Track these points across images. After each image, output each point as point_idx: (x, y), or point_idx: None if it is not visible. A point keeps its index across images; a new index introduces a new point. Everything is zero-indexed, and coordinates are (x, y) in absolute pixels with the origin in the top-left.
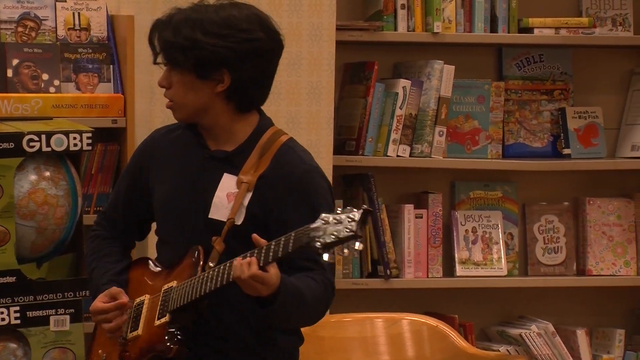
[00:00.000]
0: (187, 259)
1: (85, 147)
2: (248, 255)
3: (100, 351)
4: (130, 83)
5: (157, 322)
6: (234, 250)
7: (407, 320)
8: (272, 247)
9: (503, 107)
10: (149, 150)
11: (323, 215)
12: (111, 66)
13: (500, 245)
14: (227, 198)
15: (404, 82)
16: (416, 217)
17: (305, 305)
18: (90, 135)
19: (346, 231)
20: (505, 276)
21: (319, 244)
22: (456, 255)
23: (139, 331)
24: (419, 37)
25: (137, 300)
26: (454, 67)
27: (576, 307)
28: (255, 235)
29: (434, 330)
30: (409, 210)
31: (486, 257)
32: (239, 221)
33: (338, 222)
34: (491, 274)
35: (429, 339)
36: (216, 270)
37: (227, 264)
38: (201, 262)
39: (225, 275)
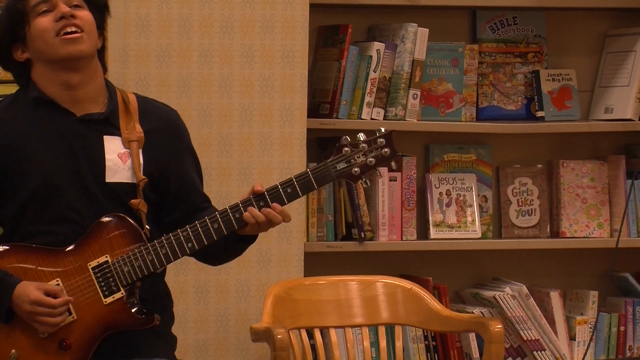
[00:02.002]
0: (106, 230)
1: None
2: (255, 199)
3: (13, 351)
4: None
5: (109, 300)
6: (150, 208)
7: (381, 282)
8: (288, 187)
9: (477, 70)
10: None
11: (344, 149)
12: None
13: (474, 207)
14: (120, 159)
15: (378, 45)
16: (390, 180)
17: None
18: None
19: (384, 152)
20: (479, 239)
21: (358, 171)
22: (430, 218)
23: (74, 316)
24: (391, 0)
25: (43, 278)
26: (427, 30)
27: (550, 269)
28: (256, 187)
29: (408, 293)
30: (382, 173)
31: (460, 220)
32: (143, 176)
33: (364, 150)
34: (465, 236)
35: (403, 302)
36: (194, 229)
37: (216, 219)
38: (139, 230)
39: (220, 229)
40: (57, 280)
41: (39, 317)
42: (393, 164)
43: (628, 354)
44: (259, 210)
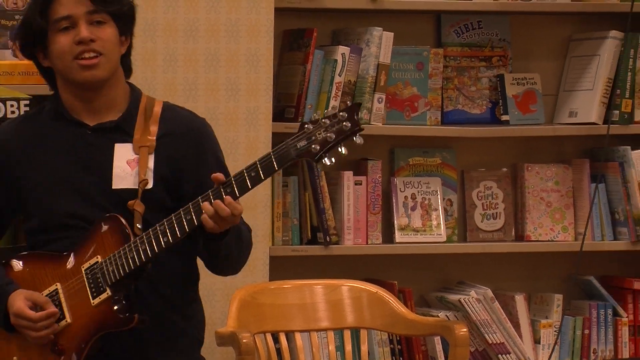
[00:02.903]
0: (100, 233)
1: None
2: (212, 194)
3: (15, 358)
4: None
5: (96, 301)
6: (150, 213)
7: (347, 286)
8: (252, 172)
9: (442, 73)
10: (4, 144)
11: (306, 126)
12: None
13: (439, 211)
14: (128, 165)
15: (342, 49)
16: (355, 184)
17: (241, 241)
18: (27, 102)
19: (346, 125)
20: (444, 242)
21: (318, 148)
22: (395, 221)
23: (67, 319)
24: (358, 3)
25: (46, 292)
26: (392, 34)
27: (515, 273)
28: (215, 175)
29: (373, 297)
30: (348, 177)
31: (425, 224)
32: (151, 184)
33: (326, 126)
34: (430, 240)
35: (369, 305)
36: (169, 222)
37: (182, 212)
38: (127, 228)
39: (188, 222)
40: (57, 285)
41: (22, 329)
42: (356, 138)
43: (592, 357)
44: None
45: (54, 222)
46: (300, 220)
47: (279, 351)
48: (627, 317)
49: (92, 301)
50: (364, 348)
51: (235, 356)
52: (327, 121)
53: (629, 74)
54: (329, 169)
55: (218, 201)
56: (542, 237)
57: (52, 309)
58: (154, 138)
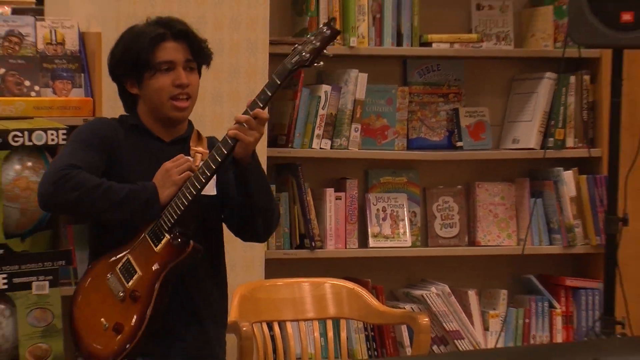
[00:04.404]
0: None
1: (60, 142)
2: (250, 108)
3: (102, 319)
4: (98, 89)
5: (159, 247)
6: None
7: (329, 284)
8: (262, 95)
9: (407, 107)
10: (110, 140)
11: (297, 46)
12: (82, 74)
13: (405, 221)
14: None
15: (325, 88)
16: (336, 199)
17: (268, 186)
18: (65, 131)
19: (327, 32)
20: (409, 247)
21: (308, 56)
22: (369, 230)
23: (139, 272)
24: (338, 50)
25: (119, 263)
26: (366, 74)
27: (468, 272)
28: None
29: (351, 292)
30: (330, 193)
31: (394, 231)
32: (210, 188)
33: (312, 40)
34: (398, 245)
35: (347, 299)
36: (205, 163)
37: (214, 150)
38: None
39: (220, 153)
40: (124, 254)
41: (178, 167)
42: (334, 35)
43: (532, 341)
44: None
45: None
46: (290, 229)
47: (273, 338)
48: (561, 308)
49: (155, 249)
50: (343, 335)
51: (237, 341)
52: (312, 37)
53: (562, 108)
54: (313, 184)
55: (256, 113)
56: (490, 243)
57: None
58: (206, 149)
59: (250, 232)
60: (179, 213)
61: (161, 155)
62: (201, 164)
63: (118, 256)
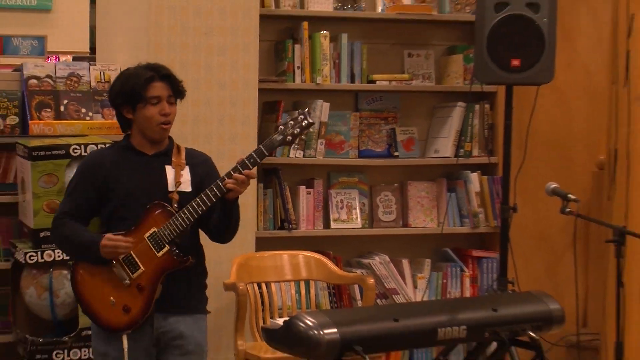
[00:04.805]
0: (152, 213)
1: None
2: (234, 170)
3: (111, 298)
4: None
5: (160, 253)
6: (182, 199)
7: (302, 255)
8: (250, 158)
9: (358, 127)
10: (99, 163)
11: (280, 127)
12: None
13: (357, 210)
14: (172, 177)
15: (299, 113)
16: (307, 194)
17: (238, 214)
18: (110, 145)
19: (304, 118)
20: (360, 228)
21: (290, 138)
22: (331, 215)
23: (142, 268)
24: (308, 86)
25: (122, 255)
26: (329, 104)
27: (402, 246)
28: (237, 163)
29: (318, 261)
30: (302, 189)
31: (349, 217)
32: (186, 186)
33: (292, 125)
34: (352, 226)
35: (315, 266)
36: (201, 196)
37: (210, 189)
38: (171, 208)
39: (214, 194)
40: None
41: (110, 249)
42: (311, 129)
43: (448, 296)
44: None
45: (124, 206)
46: (274, 215)
47: (261, 294)
48: (469, 272)
49: (157, 254)
50: (312, 292)
51: (235, 297)
52: (292, 122)
53: (469, 127)
54: (290, 183)
55: (237, 175)
56: (418, 225)
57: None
58: (184, 162)
59: (218, 239)
60: (179, 231)
61: (146, 166)
62: (198, 198)
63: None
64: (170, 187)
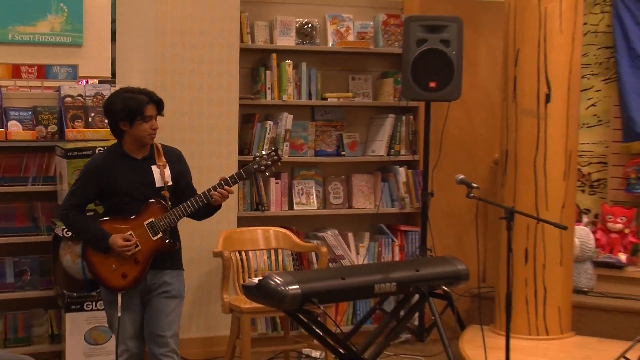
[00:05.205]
0: (151, 206)
1: None
2: (219, 185)
3: (113, 265)
4: None
5: (155, 238)
6: (172, 195)
7: (272, 230)
8: (234, 177)
9: (315, 133)
10: (100, 168)
11: (256, 158)
12: None
13: (314, 196)
14: (159, 175)
15: (269, 123)
16: (276, 184)
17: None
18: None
19: (273, 155)
20: (316, 209)
21: (263, 167)
22: (294, 200)
23: (140, 247)
24: (276, 102)
25: (126, 233)
26: (292, 115)
27: (348, 223)
28: (221, 179)
29: (284, 235)
30: (272, 180)
31: (307, 201)
32: (168, 180)
33: (265, 156)
34: (309, 208)
35: (282, 238)
36: (192, 200)
37: (201, 195)
38: (166, 204)
39: (202, 201)
40: (130, 232)
41: (117, 250)
42: (279, 163)
43: (382, 259)
44: (220, 188)
45: (126, 201)
46: (250, 200)
47: (241, 260)
48: (398, 242)
49: (152, 238)
50: (280, 258)
51: (222, 262)
52: (266, 156)
53: (398, 133)
54: (266, 177)
55: (221, 190)
56: (360, 206)
57: (135, 239)
58: (165, 162)
59: (197, 220)
60: (171, 224)
61: (136, 167)
62: (189, 201)
63: (122, 227)
64: (158, 183)
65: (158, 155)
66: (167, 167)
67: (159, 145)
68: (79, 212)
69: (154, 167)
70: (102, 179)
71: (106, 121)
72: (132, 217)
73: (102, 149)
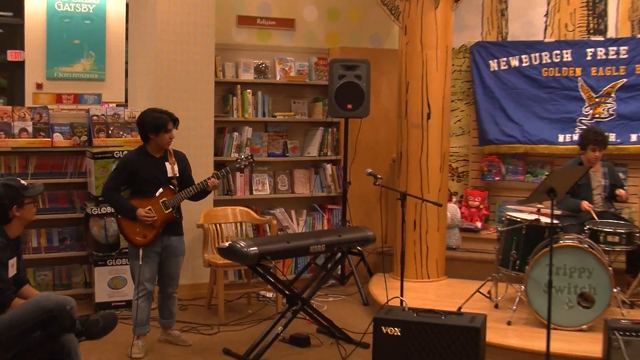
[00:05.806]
0: (164, 190)
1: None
2: (214, 177)
3: (137, 229)
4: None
5: (167, 212)
6: (178, 183)
7: (238, 209)
8: (222, 172)
9: (267, 141)
10: (133, 161)
11: (238, 159)
12: None
13: (267, 184)
14: (170, 169)
15: (235, 133)
16: (240, 176)
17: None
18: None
19: (250, 159)
20: (269, 194)
21: (243, 165)
22: (253, 188)
23: (156, 216)
24: (240, 119)
25: (147, 207)
26: (251, 128)
27: (291, 203)
28: (213, 177)
29: (247, 212)
30: (238, 174)
31: (263, 188)
32: (177, 174)
33: (244, 159)
34: (264, 193)
35: (245, 215)
36: (196, 185)
37: (201, 183)
38: (175, 189)
39: (202, 186)
40: (149, 207)
41: (141, 218)
42: (252, 165)
43: (315, 229)
44: (213, 179)
45: (149, 185)
46: (223, 188)
47: (217, 230)
48: (326, 216)
49: (165, 212)
50: (244, 228)
51: (202, 232)
52: (244, 159)
53: (326, 140)
54: (239, 171)
55: (213, 180)
56: (297, 192)
57: (153, 214)
58: (174, 160)
59: (194, 201)
60: (178, 202)
61: (155, 163)
62: (191, 187)
63: (145, 203)
64: (169, 174)
65: (170, 156)
66: (176, 164)
67: (171, 149)
68: (116, 192)
69: (167, 164)
70: (131, 170)
71: (121, 133)
72: (151, 197)
73: (118, 152)
